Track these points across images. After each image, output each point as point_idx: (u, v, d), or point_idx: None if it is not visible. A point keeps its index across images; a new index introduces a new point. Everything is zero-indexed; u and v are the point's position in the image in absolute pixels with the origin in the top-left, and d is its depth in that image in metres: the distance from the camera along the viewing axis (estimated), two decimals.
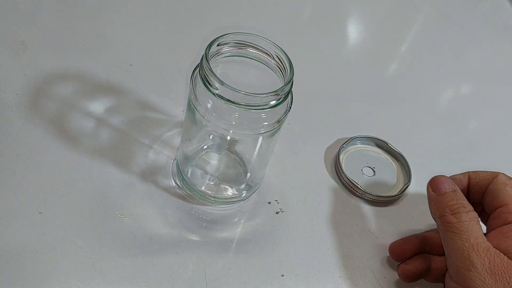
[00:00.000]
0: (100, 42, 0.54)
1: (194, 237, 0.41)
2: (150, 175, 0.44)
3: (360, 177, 0.48)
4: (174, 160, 0.44)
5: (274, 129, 0.37)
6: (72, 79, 0.49)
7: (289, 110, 0.37)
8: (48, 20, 0.55)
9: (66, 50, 0.52)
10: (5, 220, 0.39)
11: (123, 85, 0.50)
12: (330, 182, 0.48)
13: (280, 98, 0.35)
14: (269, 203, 0.45)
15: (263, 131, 0.37)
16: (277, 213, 0.44)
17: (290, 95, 0.37)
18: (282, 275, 0.40)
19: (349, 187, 0.47)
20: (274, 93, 0.34)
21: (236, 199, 0.43)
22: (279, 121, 0.37)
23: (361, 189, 0.46)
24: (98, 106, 0.48)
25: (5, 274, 0.36)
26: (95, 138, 0.45)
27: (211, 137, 0.42)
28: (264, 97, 0.34)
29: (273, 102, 0.35)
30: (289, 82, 0.35)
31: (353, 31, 0.67)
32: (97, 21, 0.56)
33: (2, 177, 0.41)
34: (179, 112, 0.49)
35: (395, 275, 0.42)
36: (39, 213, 0.40)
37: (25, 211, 0.39)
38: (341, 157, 0.48)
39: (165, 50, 0.55)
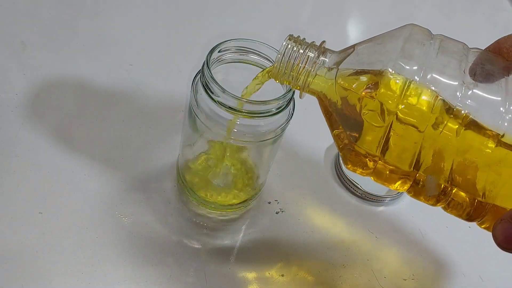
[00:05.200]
0: (100, 42, 0.54)
1: (194, 237, 0.41)
2: (150, 177, 0.44)
3: (360, 177, 0.48)
4: (174, 164, 0.44)
5: (276, 136, 0.37)
6: (71, 79, 0.49)
7: (291, 117, 0.37)
8: (48, 20, 0.55)
9: (66, 50, 0.52)
10: (5, 220, 0.39)
11: (123, 85, 0.50)
12: (330, 182, 0.48)
13: (282, 105, 0.35)
14: (269, 203, 0.45)
15: (265, 138, 0.37)
16: (277, 213, 0.44)
17: (292, 102, 0.37)
18: (282, 275, 0.40)
19: (349, 187, 0.47)
20: (276, 101, 0.34)
21: (237, 206, 0.43)
22: (281, 128, 0.37)
23: (361, 189, 0.46)
24: (98, 106, 0.48)
25: (5, 274, 0.36)
26: (94, 138, 0.45)
27: (211, 144, 0.42)
28: (266, 104, 0.34)
29: (275, 110, 0.35)
30: (291, 89, 0.35)
31: (353, 31, 0.67)
32: (97, 21, 0.56)
33: (2, 177, 0.41)
34: (180, 112, 0.49)
35: (395, 275, 0.42)
36: (39, 213, 0.40)
37: (25, 211, 0.39)
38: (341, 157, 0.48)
39: (165, 50, 0.55)
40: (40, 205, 0.40)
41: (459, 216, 0.33)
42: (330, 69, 0.33)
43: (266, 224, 0.43)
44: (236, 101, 0.33)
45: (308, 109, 0.51)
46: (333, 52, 0.34)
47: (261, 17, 0.63)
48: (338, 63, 0.33)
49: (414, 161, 0.31)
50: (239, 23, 0.61)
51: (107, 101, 0.48)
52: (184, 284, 0.38)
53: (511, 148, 0.29)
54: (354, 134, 0.32)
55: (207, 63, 0.34)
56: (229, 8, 0.63)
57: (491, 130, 0.29)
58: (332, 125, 0.34)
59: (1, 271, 0.36)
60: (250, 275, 0.40)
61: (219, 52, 0.36)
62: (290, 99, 0.36)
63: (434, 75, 0.30)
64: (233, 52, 0.37)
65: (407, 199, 0.48)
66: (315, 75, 0.33)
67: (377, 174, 0.33)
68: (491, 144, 0.29)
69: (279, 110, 0.35)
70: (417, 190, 0.33)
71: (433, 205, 0.33)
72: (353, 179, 0.47)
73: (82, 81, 0.49)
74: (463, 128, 0.29)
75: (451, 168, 0.31)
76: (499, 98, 0.30)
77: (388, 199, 0.47)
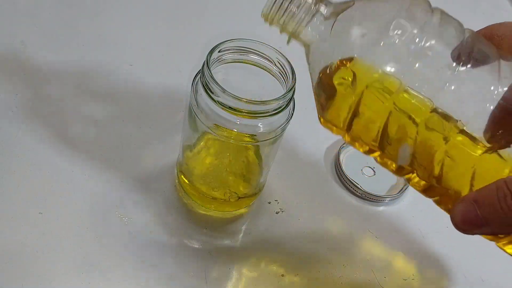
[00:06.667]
0: (100, 42, 0.54)
1: (194, 237, 0.41)
2: (150, 177, 0.44)
3: (360, 177, 0.48)
4: (174, 164, 0.44)
5: (276, 136, 0.37)
6: (71, 79, 0.49)
7: (291, 117, 0.37)
8: (48, 20, 0.55)
9: (66, 50, 0.52)
10: (5, 220, 0.39)
11: (123, 85, 0.50)
12: (330, 182, 0.48)
13: (283, 105, 0.35)
14: (269, 203, 0.45)
15: (265, 138, 0.37)
16: (277, 213, 0.44)
17: (292, 102, 0.37)
18: (282, 275, 0.40)
19: (349, 187, 0.47)
20: (276, 101, 0.34)
21: (237, 205, 0.43)
22: (281, 128, 0.37)
23: (361, 189, 0.46)
24: (98, 107, 0.48)
25: (5, 274, 0.36)
26: (95, 138, 0.45)
27: (211, 144, 0.42)
28: (266, 104, 0.34)
29: (275, 110, 0.35)
30: (291, 89, 0.35)
31: None
32: (97, 21, 0.56)
33: (2, 177, 0.41)
34: (180, 112, 0.49)
35: (395, 275, 0.42)
36: (39, 213, 0.40)
37: (25, 211, 0.39)
38: (341, 157, 0.48)
39: (165, 50, 0.55)
40: (40, 205, 0.40)
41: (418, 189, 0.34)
42: (326, 18, 0.31)
43: (266, 224, 0.43)
44: (236, 101, 0.33)
45: (308, 109, 0.51)
46: (331, 3, 0.32)
47: (261, 17, 0.63)
48: (336, 14, 0.31)
49: (379, 136, 0.31)
50: (239, 23, 0.61)
51: (107, 101, 0.48)
52: (184, 284, 0.38)
53: (470, 137, 0.29)
54: (323, 102, 0.32)
55: (207, 63, 0.34)
56: (229, 8, 0.63)
57: (455, 120, 0.29)
58: (312, 78, 0.33)
59: (1, 271, 0.36)
60: (250, 275, 0.40)
61: (219, 52, 0.36)
62: (290, 99, 0.36)
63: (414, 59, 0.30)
64: (233, 52, 0.37)
65: (407, 199, 0.48)
66: (307, 24, 0.32)
67: (351, 136, 0.33)
68: (454, 134, 0.29)
69: (279, 110, 0.35)
70: (386, 158, 0.33)
71: (397, 174, 0.34)
72: (353, 179, 0.47)
73: (82, 81, 0.49)
74: (428, 110, 0.29)
75: (414, 144, 0.31)
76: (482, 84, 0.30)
77: (388, 199, 0.47)
